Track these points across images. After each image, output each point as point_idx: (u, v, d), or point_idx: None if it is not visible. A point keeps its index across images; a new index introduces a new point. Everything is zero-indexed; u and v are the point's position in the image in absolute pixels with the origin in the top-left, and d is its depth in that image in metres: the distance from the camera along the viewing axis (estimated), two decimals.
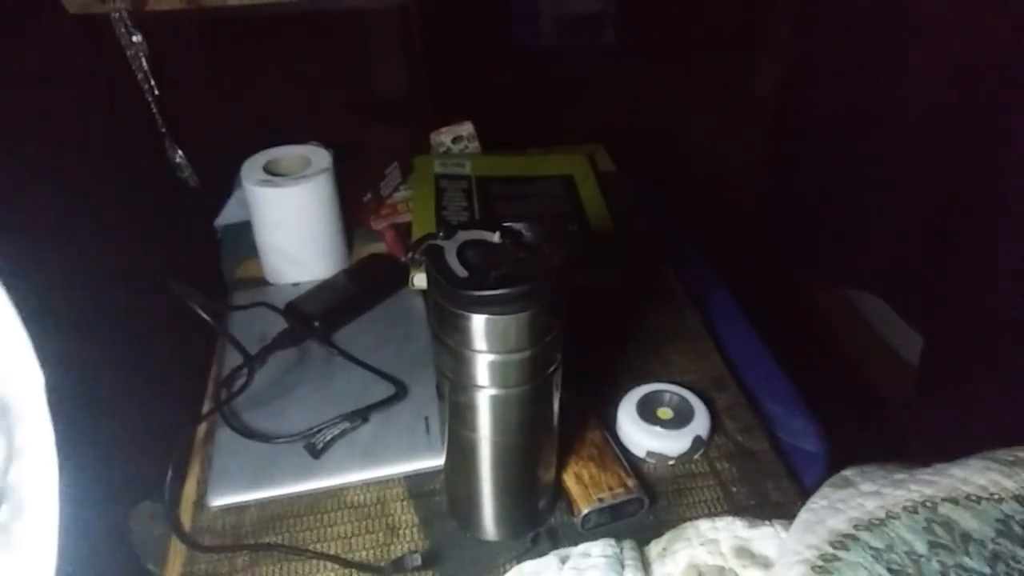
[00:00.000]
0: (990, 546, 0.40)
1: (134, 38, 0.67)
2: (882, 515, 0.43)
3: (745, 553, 0.48)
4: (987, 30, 1.33)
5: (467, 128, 1.09)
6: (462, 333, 0.49)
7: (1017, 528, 0.41)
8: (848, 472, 0.49)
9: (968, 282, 1.42)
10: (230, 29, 1.08)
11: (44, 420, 0.23)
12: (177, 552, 0.61)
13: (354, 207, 0.93)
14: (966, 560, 0.40)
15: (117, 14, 0.65)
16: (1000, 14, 1.29)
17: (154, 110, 0.71)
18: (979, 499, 0.43)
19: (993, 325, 1.35)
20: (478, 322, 0.48)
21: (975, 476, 0.45)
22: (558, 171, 1.03)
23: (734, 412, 0.72)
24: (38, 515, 0.23)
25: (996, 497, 0.43)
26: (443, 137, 1.09)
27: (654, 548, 0.51)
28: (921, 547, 0.41)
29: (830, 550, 0.42)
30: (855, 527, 0.43)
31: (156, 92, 0.70)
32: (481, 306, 0.48)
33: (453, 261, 0.49)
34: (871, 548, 0.41)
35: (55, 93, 0.81)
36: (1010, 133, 1.30)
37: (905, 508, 0.43)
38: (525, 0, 2.90)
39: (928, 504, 0.43)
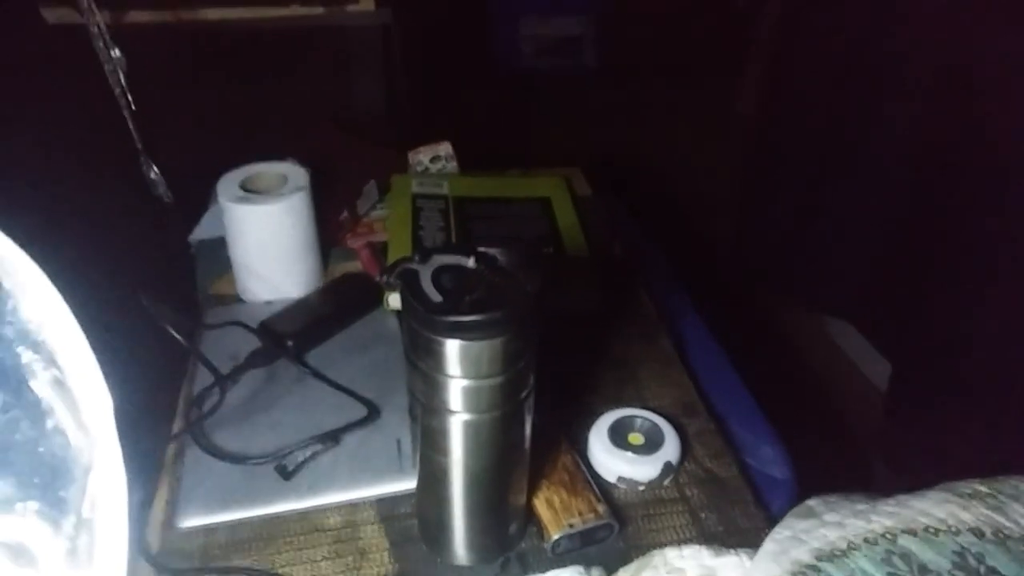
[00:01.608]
0: None
1: (112, 52, 0.67)
2: (844, 546, 0.44)
3: None
4: (964, 58, 1.36)
5: (445, 148, 1.10)
6: (435, 357, 0.50)
7: (972, 560, 0.42)
8: (812, 502, 0.50)
9: (937, 310, 1.46)
10: (209, 45, 1.08)
11: (114, 442, 0.24)
12: (143, 574, 0.60)
13: (330, 225, 0.93)
14: None
15: (96, 28, 0.65)
16: (978, 40, 1.33)
17: (130, 125, 0.71)
18: (937, 531, 0.44)
19: (960, 353, 1.38)
20: (451, 347, 0.49)
21: (934, 508, 0.46)
22: (535, 193, 1.04)
23: (704, 438, 0.73)
24: (109, 535, 0.23)
25: (953, 529, 0.44)
26: (421, 156, 1.09)
27: (622, 574, 0.51)
28: None
29: None
30: (817, 558, 0.44)
31: (133, 107, 0.70)
32: (455, 331, 0.48)
33: (428, 285, 0.50)
34: None
35: (29, 106, 0.81)
36: (982, 164, 1.34)
37: (866, 539, 0.44)
38: (506, 22, 2.93)
39: (888, 536, 0.44)
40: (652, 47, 2.74)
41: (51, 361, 0.22)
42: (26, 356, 0.22)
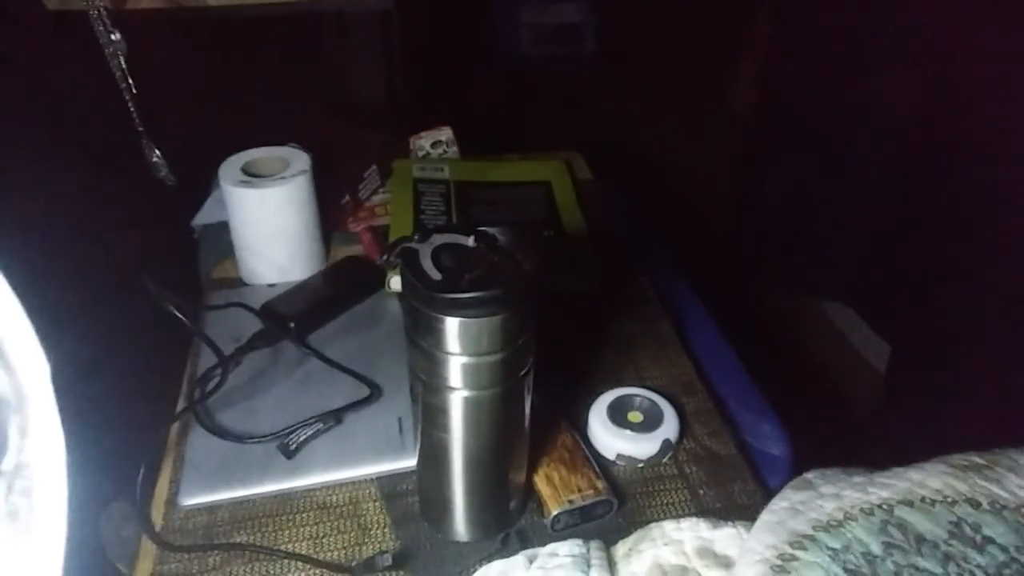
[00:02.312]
0: (942, 547, 0.42)
1: (113, 36, 0.67)
2: (840, 516, 0.45)
3: (708, 553, 0.49)
4: (958, 48, 1.36)
5: (446, 133, 1.10)
6: (435, 335, 0.50)
7: (968, 530, 0.43)
8: (810, 475, 0.51)
9: (935, 292, 1.46)
10: (211, 30, 1.08)
11: (51, 403, 0.24)
12: (148, 552, 0.60)
13: (332, 209, 0.93)
14: (919, 560, 0.41)
15: (95, 12, 0.65)
16: (971, 33, 1.33)
17: (131, 109, 0.71)
18: (933, 502, 0.45)
19: (959, 335, 1.39)
20: (451, 324, 0.49)
21: (930, 480, 0.46)
22: (536, 177, 1.04)
23: (703, 416, 0.73)
24: (48, 497, 0.24)
25: (949, 500, 0.45)
26: (423, 141, 1.10)
27: (620, 548, 0.52)
28: (876, 548, 0.42)
29: (789, 550, 0.43)
30: (814, 528, 0.44)
31: (134, 91, 0.70)
32: (454, 309, 0.48)
33: (427, 264, 0.50)
34: (829, 548, 0.42)
35: (31, 90, 0.81)
36: (977, 148, 1.34)
37: (862, 510, 0.45)
38: (506, 8, 2.92)
39: (884, 506, 0.45)
40: (652, 35, 2.73)
41: None
42: None
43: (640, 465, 0.68)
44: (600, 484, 0.63)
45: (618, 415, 0.69)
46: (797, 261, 1.88)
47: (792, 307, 1.92)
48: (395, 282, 0.84)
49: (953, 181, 1.39)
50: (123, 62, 0.67)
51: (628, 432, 0.68)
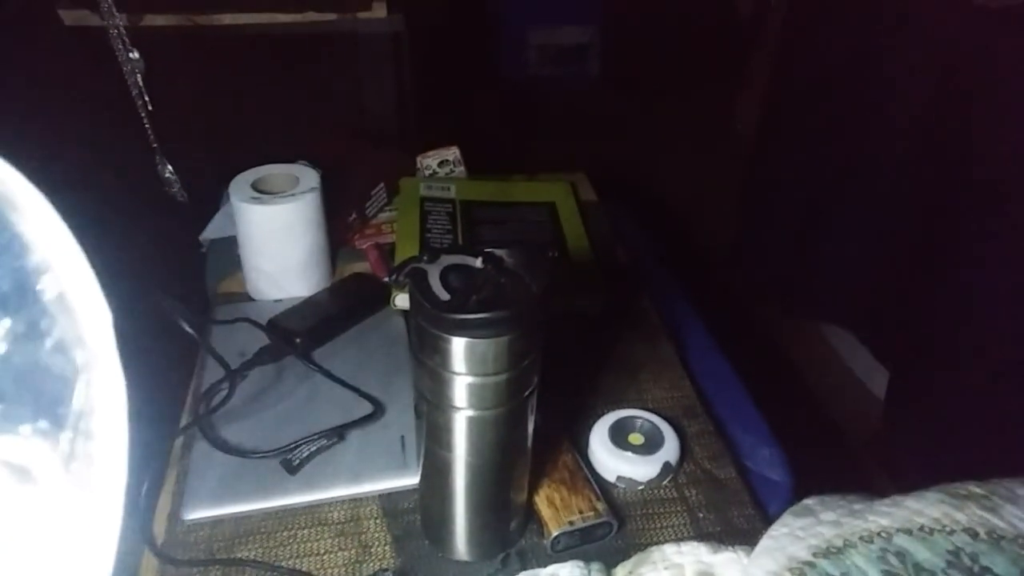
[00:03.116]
0: None
1: (131, 55, 0.68)
2: (840, 544, 0.45)
3: None
4: (962, 77, 1.38)
5: (453, 152, 1.12)
6: (442, 355, 0.51)
7: (966, 560, 0.43)
8: (810, 501, 0.51)
9: (935, 318, 1.47)
10: (224, 47, 1.10)
11: (114, 356, 0.24)
12: (149, 565, 0.61)
13: (339, 226, 0.94)
14: None
15: (115, 30, 0.67)
16: (978, 57, 1.35)
17: (146, 125, 0.72)
18: (932, 531, 0.45)
19: (958, 362, 1.39)
20: (458, 344, 0.50)
21: (929, 508, 0.47)
22: (541, 198, 1.05)
23: (703, 440, 0.74)
24: (108, 450, 0.24)
25: (948, 529, 0.45)
26: (429, 160, 1.11)
27: (620, 571, 0.52)
28: (875, 575, 0.43)
29: None
30: (813, 554, 0.45)
31: (150, 108, 0.71)
32: (461, 329, 0.49)
33: (436, 284, 0.51)
34: (828, 575, 0.43)
35: (48, 104, 0.82)
36: (979, 176, 1.35)
37: (861, 538, 0.45)
38: (513, 30, 2.95)
39: (883, 534, 0.45)
40: (656, 58, 2.76)
41: (53, 277, 0.23)
42: (31, 272, 0.23)
43: (640, 487, 0.68)
44: (600, 506, 0.63)
45: (619, 437, 0.70)
46: (797, 285, 1.88)
47: (792, 331, 1.93)
48: (400, 299, 0.85)
49: (955, 209, 1.41)
50: (140, 80, 0.69)
51: (629, 454, 0.68)
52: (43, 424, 0.22)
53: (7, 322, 0.22)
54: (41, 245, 0.23)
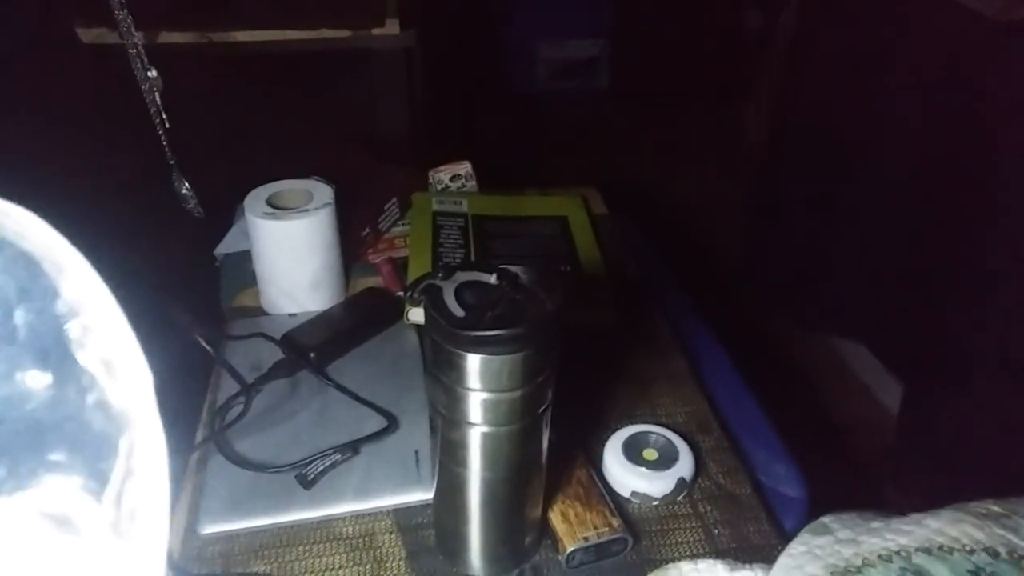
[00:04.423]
0: None
1: (149, 73, 0.69)
2: (858, 563, 0.45)
3: None
4: (969, 81, 1.38)
5: (465, 167, 1.12)
6: (457, 371, 0.51)
7: None
8: (826, 519, 0.51)
9: (949, 332, 1.46)
10: (239, 64, 1.11)
11: (155, 415, 0.25)
12: None
13: (352, 240, 0.95)
14: None
15: (134, 49, 0.68)
16: (984, 64, 1.34)
17: (164, 142, 0.73)
18: (951, 550, 0.45)
19: (971, 375, 1.38)
20: (473, 361, 0.50)
21: (948, 527, 0.46)
22: (552, 212, 1.06)
23: (718, 455, 0.73)
24: (151, 506, 0.24)
25: (968, 548, 0.45)
26: (442, 175, 1.12)
27: None
28: None
29: None
30: (831, 573, 0.44)
31: (167, 125, 0.72)
32: (476, 346, 0.49)
33: (451, 301, 0.51)
34: None
35: (65, 122, 0.83)
36: (991, 188, 1.35)
37: (880, 556, 0.45)
38: (522, 44, 2.97)
39: (902, 553, 0.45)
40: (665, 71, 2.78)
41: (93, 337, 0.24)
42: (71, 332, 0.23)
43: (655, 503, 0.68)
44: (615, 521, 0.63)
45: (633, 452, 0.69)
46: (810, 299, 1.88)
47: (803, 344, 1.92)
48: (413, 314, 0.85)
49: (968, 221, 1.40)
50: (158, 98, 0.70)
51: (643, 470, 0.68)
52: (85, 477, 0.23)
53: (48, 376, 0.22)
54: (85, 307, 0.23)
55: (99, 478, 0.23)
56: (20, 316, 0.22)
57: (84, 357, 0.24)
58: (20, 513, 0.21)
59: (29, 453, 0.22)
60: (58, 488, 0.23)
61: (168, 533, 0.25)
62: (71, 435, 0.23)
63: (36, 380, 0.22)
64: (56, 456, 0.23)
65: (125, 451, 0.24)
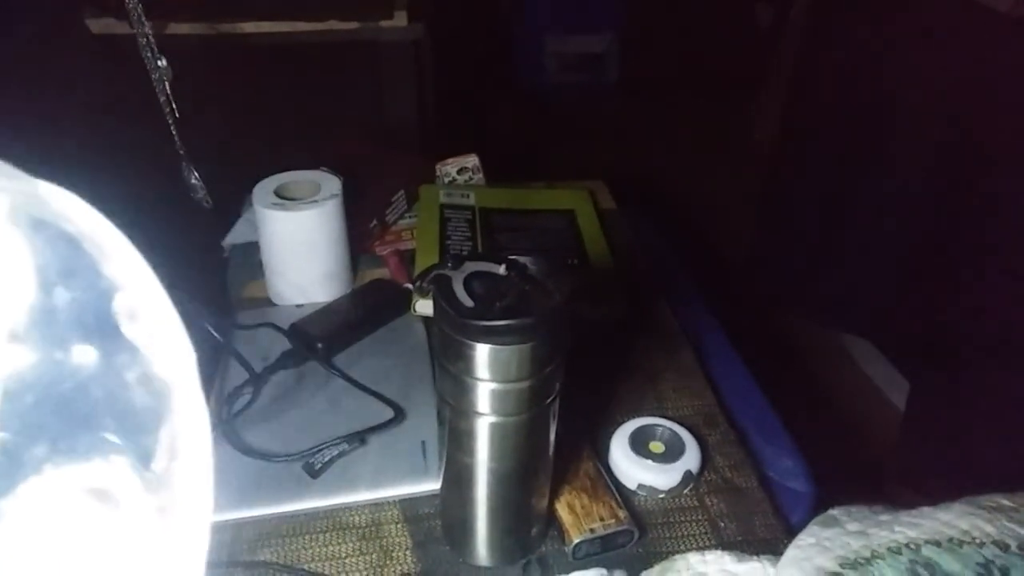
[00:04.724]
0: None
1: (159, 62, 0.69)
2: (867, 555, 0.45)
3: None
4: (981, 77, 1.37)
5: (472, 160, 1.12)
6: (465, 361, 0.51)
7: (996, 572, 0.43)
8: (835, 511, 0.51)
9: (954, 328, 1.45)
10: (246, 56, 1.11)
11: (198, 391, 0.25)
12: None
13: (359, 232, 0.95)
14: None
15: (144, 39, 0.68)
16: (998, 59, 1.34)
17: (173, 132, 0.73)
18: (961, 543, 0.45)
19: (978, 373, 1.37)
20: (481, 351, 0.50)
21: (958, 520, 0.46)
22: (560, 205, 1.05)
23: (724, 449, 0.73)
24: (192, 484, 0.25)
25: (977, 542, 0.45)
26: (449, 168, 1.11)
27: None
28: None
29: None
30: (841, 565, 0.44)
31: (177, 115, 0.72)
32: (485, 336, 0.49)
33: (460, 291, 0.51)
34: None
35: (75, 111, 0.83)
36: (1001, 186, 1.34)
37: (889, 549, 0.45)
38: (530, 38, 2.97)
39: (912, 546, 0.45)
40: (674, 65, 2.77)
41: (136, 313, 0.24)
42: (115, 307, 0.24)
43: (661, 496, 0.68)
44: (621, 513, 0.63)
45: (640, 445, 0.69)
46: (818, 294, 1.87)
47: (810, 340, 1.92)
48: (420, 305, 0.85)
49: (976, 218, 1.39)
50: (168, 88, 0.70)
51: (649, 462, 0.68)
52: (128, 453, 0.23)
53: (91, 352, 0.23)
54: (127, 285, 0.24)
55: (143, 454, 0.24)
56: (61, 294, 0.22)
57: (128, 332, 0.24)
58: (63, 489, 0.22)
59: (70, 429, 0.22)
60: (101, 464, 0.23)
61: (212, 508, 0.26)
62: (114, 411, 0.23)
63: (78, 356, 0.22)
64: (99, 433, 0.23)
65: (169, 427, 0.24)
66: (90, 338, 0.23)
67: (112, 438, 0.23)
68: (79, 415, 0.22)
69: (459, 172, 1.11)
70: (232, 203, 1.02)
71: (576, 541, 0.61)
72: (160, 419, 0.24)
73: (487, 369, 0.51)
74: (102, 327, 0.23)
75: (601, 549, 0.62)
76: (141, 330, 0.24)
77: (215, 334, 0.72)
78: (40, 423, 0.22)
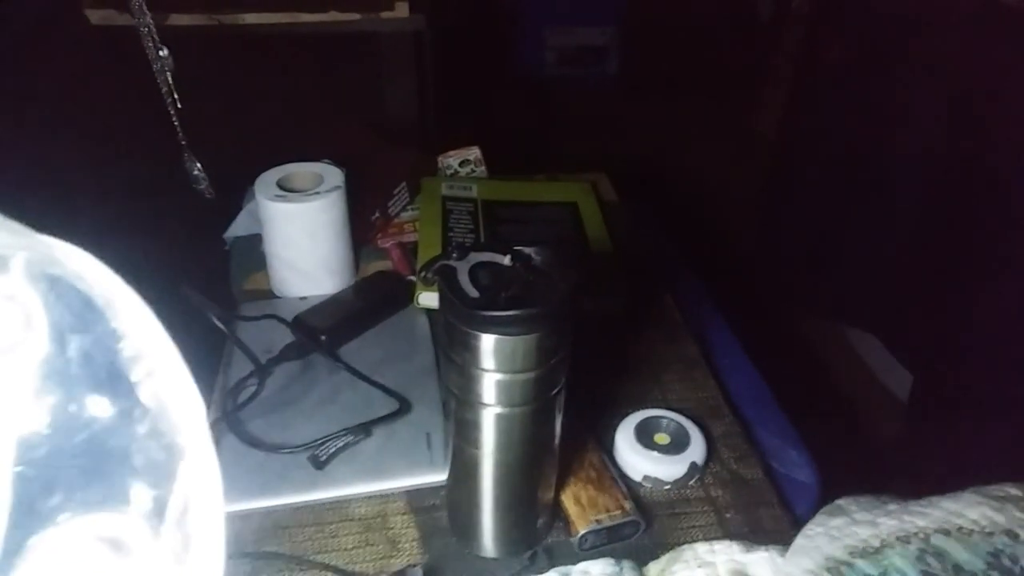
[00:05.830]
0: None
1: (161, 53, 0.69)
2: (877, 543, 0.45)
3: None
4: (984, 70, 1.37)
5: (474, 152, 1.12)
6: (471, 352, 0.51)
7: (1007, 561, 0.43)
8: (842, 501, 0.51)
9: (959, 321, 1.45)
10: (248, 47, 1.11)
11: (209, 444, 0.26)
12: None
13: (362, 224, 0.95)
14: None
15: (145, 29, 0.67)
16: (1002, 52, 1.33)
17: (175, 123, 0.73)
18: (970, 532, 0.44)
19: (981, 366, 1.37)
20: (487, 342, 0.50)
21: (967, 510, 0.46)
22: (562, 198, 1.05)
23: (729, 440, 0.73)
24: (205, 535, 0.25)
25: (987, 531, 0.44)
26: (451, 160, 1.11)
27: (653, 568, 0.52)
28: None
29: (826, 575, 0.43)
30: (851, 554, 0.44)
31: (179, 106, 0.72)
32: (491, 326, 0.49)
33: (465, 281, 0.51)
34: (866, 575, 0.42)
35: (75, 103, 0.83)
36: (1003, 177, 1.33)
37: (899, 538, 0.45)
38: (532, 30, 2.96)
39: (921, 535, 0.45)
40: (675, 58, 2.76)
41: (148, 368, 0.24)
42: (126, 359, 0.24)
43: (667, 487, 0.68)
44: (627, 504, 0.63)
45: (645, 436, 0.69)
46: (820, 287, 1.87)
47: (815, 333, 1.92)
48: (424, 298, 0.85)
49: (979, 210, 1.39)
50: (170, 78, 0.69)
51: (655, 454, 0.68)
52: (141, 504, 0.23)
53: (104, 404, 0.23)
54: (139, 341, 0.24)
55: (156, 504, 0.24)
56: (74, 348, 0.23)
57: (140, 386, 0.24)
58: (77, 539, 0.22)
59: (85, 480, 0.23)
60: (115, 514, 0.23)
61: (223, 563, 0.26)
62: (126, 462, 0.24)
63: (91, 408, 0.23)
64: (112, 483, 0.23)
65: (181, 478, 0.24)
66: (103, 391, 0.23)
67: (125, 488, 0.23)
68: (93, 466, 0.23)
69: (461, 164, 1.11)
70: (234, 194, 1.01)
71: (582, 532, 0.61)
72: (172, 470, 0.24)
73: (493, 359, 0.50)
74: (114, 381, 0.24)
75: (607, 540, 0.62)
76: (153, 384, 0.24)
77: (220, 325, 0.72)
78: (54, 474, 0.22)
